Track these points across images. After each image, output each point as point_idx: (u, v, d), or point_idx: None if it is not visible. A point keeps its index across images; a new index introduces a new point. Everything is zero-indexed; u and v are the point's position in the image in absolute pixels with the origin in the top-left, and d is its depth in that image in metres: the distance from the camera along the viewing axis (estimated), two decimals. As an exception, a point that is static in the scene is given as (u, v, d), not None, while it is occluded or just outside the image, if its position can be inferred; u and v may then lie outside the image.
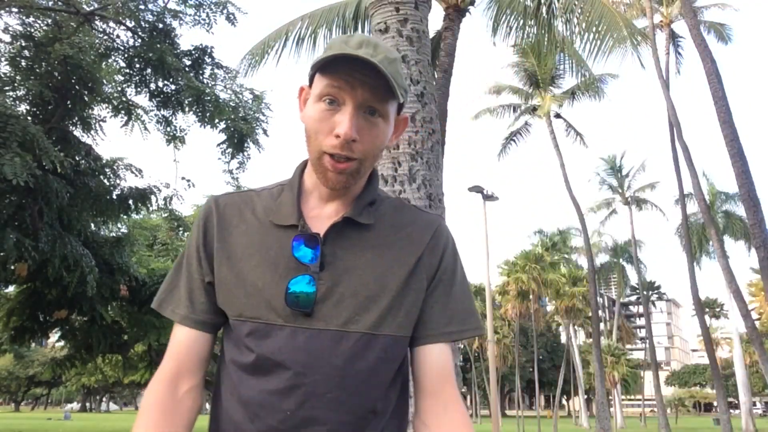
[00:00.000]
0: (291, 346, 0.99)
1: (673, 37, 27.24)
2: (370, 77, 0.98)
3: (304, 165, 1.14)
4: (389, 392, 1.05)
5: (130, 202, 10.82)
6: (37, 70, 9.81)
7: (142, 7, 9.90)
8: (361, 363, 0.99)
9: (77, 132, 10.82)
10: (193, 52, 10.47)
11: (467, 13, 8.10)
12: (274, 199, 1.11)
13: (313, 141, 1.02)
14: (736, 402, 45.72)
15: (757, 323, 36.62)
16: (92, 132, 10.95)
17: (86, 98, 10.35)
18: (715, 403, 49.79)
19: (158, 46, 9.58)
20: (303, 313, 0.99)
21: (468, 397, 58.60)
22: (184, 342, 1.09)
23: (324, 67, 1.00)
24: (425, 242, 1.09)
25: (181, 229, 15.20)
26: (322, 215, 1.08)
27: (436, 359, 1.08)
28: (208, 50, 10.49)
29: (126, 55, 10.41)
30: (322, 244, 1.03)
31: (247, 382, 1.01)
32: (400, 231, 1.09)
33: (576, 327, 45.79)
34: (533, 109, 30.50)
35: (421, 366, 1.08)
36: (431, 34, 6.11)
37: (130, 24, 10.00)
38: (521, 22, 8.63)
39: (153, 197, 10.91)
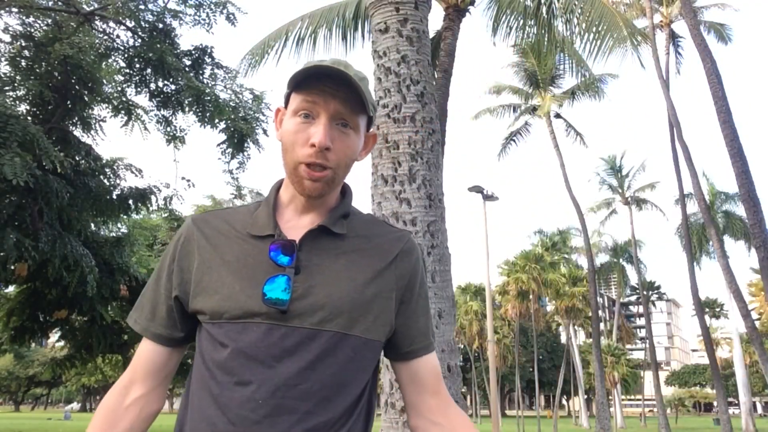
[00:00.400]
0: (266, 342, 1.04)
1: (673, 37, 27.25)
2: (341, 90, 1.08)
3: (279, 183, 1.21)
4: (359, 390, 1.09)
5: (130, 202, 10.82)
6: (37, 70, 9.81)
7: (142, 7, 9.91)
8: (330, 359, 1.05)
9: (77, 132, 10.82)
10: (193, 52, 10.47)
11: (467, 13, 8.12)
12: (251, 213, 1.17)
13: (290, 153, 1.10)
14: (736, 402, 45.78)
15: (757, 323, 36.66)
16: (92, 132, 10.95)
17: (86, 98, 10.36)
18: (715, 403, 49.81)
19: (158, 46, 9.58)
20: (279, 310, 1.05)
21: (468, 397, 58.60)
22: (143, 352, 1.17)
23: (299, 84, 1.09)
24: (395, 253, 1.17)
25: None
26: (298, 225, 1.14)
27: (433, 363, 1.21)
28: (208, 50, 10.50)
29: (126, 55, 10.41)
30: (298, 250, 1.09)
31: (220, 376, 1.04)
32: (372, 241, 1.17)
33: (576, 327, 45.79)
34: (533, 109, 30.51)
35: (422, 371, 1.20)
36: (431, 34, 6.11)
37: (130, 24, 10.00)
38: (521, 22, 8.63)
39: (153, 197, 10.90)
